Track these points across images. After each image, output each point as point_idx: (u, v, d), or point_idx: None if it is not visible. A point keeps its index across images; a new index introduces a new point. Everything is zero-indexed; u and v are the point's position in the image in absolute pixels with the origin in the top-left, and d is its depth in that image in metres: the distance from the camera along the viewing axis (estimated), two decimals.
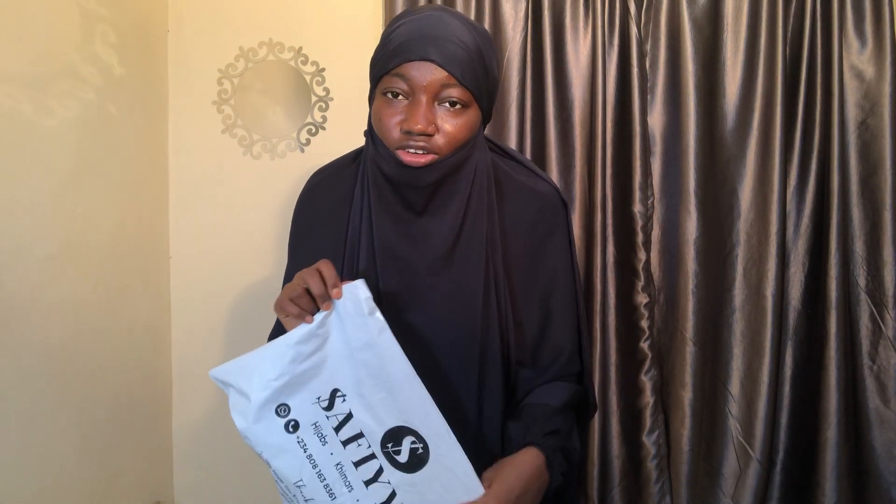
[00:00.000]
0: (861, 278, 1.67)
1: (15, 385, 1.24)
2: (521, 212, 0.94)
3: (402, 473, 0.79)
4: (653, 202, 1.71)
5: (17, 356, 1.24)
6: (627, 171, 1.68)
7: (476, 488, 0.77)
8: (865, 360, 1.67)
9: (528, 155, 1.67)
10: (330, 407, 0.79)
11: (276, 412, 0.79)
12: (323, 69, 1.76)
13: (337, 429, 0.79)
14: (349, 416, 0.79)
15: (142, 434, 1.68)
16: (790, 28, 1.65)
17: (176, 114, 1.76)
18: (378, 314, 0.77)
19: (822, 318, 1.63)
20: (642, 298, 1.69)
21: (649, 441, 1.70)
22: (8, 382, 1.23)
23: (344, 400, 0.79)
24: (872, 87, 1.65)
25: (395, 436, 0.79)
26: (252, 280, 1.78)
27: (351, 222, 0.92)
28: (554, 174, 1.69)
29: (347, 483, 0.79)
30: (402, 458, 0.79)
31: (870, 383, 1.66)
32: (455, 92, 0.82)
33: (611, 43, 1.68)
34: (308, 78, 1.76)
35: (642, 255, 1.68)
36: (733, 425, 1.68)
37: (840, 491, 1.62)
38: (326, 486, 0.79)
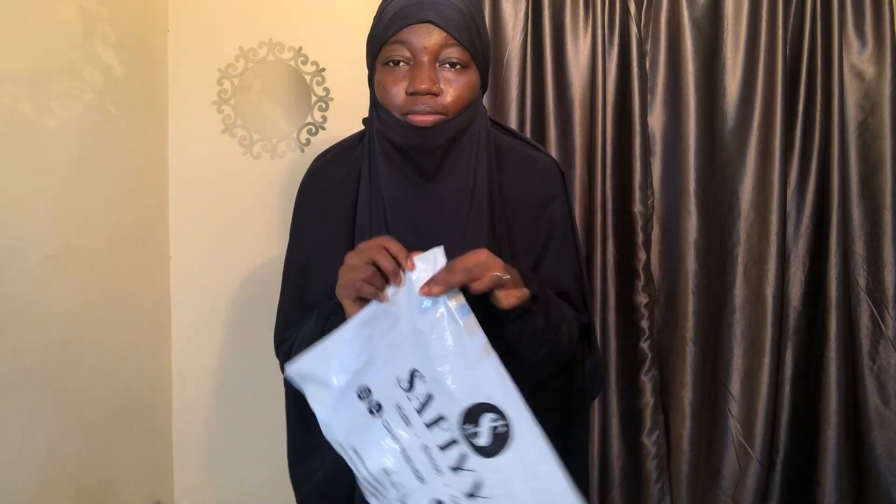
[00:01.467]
0: (861, 278, 1.67)
1: (15, 385, 1.24)
2: (521, 180, 0.95)
3: (484, 459, 0.73)
4: (653, 202, 1.71)
5: (17, 356, 1.24)
6: (627, 171, 1.68)
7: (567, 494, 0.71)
8: (865, 360, 1.67)
9: None
10: (410, 388, 0.75)
11: (358, 396, 0.76)
12: (323, 69, 1.76)
13: (420, 411, 0.75)
14: (430, 398, 0.74)
15: (142, 434, 1.68)
16: (790, 28, 1.65)
17: (176, 114, 1.76)
18: None
19: (822, 318, 1.63)
20: (642, 298, 1.69)
21: (649, 441, 1.70)
22: (8, 382, 1.23)
23: (424, 381, 0.74)
24: (872, 87, 1.65)
25: (472, 416, 0.73)
26: (252, 280, 1.77)
27: (360, 199, 0.92)
28: None
29: (436, 466, 0.75)
30: (483, 439, 0.73)
31: (870, 383, 1.66)
32: (455, 52, 0.83)
33: (611, 43, 1.68)
34: (308, 78, 1.76)
35: (642, 255, 1.68)
36: (733, 425, 1.67)
37: (840, 491, 1.62)
38: (415, 469, 0.75)
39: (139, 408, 1.67)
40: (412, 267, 0.74)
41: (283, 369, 0.90)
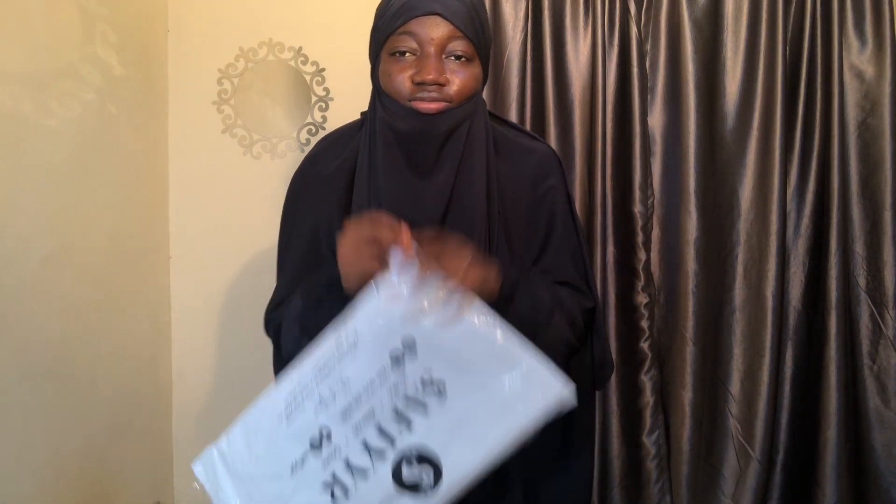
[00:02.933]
0: (861, 278, 1.67)
1: (15, 385, 1.24)
2: (518, 170, 0.96)
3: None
4: (653, 202, 1.71)
5: (17, 356, 1.24)
6: (627, 171, 1.68)
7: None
8: (865, 360, 1.67)
9: None
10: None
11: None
12: (323, 69, 1.76)
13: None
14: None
15: (142, 434, 1.68)
16: (790, 28, 1.65)
17: (176, 114, 1.76)
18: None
19: (822, 318, 1.63)
20: (642, 298, 1.69)
21: (649, 441, 1.70)
22: (8, 382, 1.23)
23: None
24: (872, 87, 1.65)
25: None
26: (252, 280, 1.77)
27: (356, 187, 0.92)
28: None
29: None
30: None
31: (870, 383, 1.66)
32: (461, 45, 0.85)
33: (611, 43, 1.68)
34: (308, 78, 1.76)
35: (642, 255, 1.68)
36: (733, 425, 1.67)
37: (840, 491, 1.62)
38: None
39: (139, 408, 1.67)
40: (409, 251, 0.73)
41: (273, 340, 0.93)
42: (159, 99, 1.74)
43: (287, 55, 1.76)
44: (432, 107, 0.85)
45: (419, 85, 0.84)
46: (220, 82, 1.76)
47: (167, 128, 1.76)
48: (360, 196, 0.91)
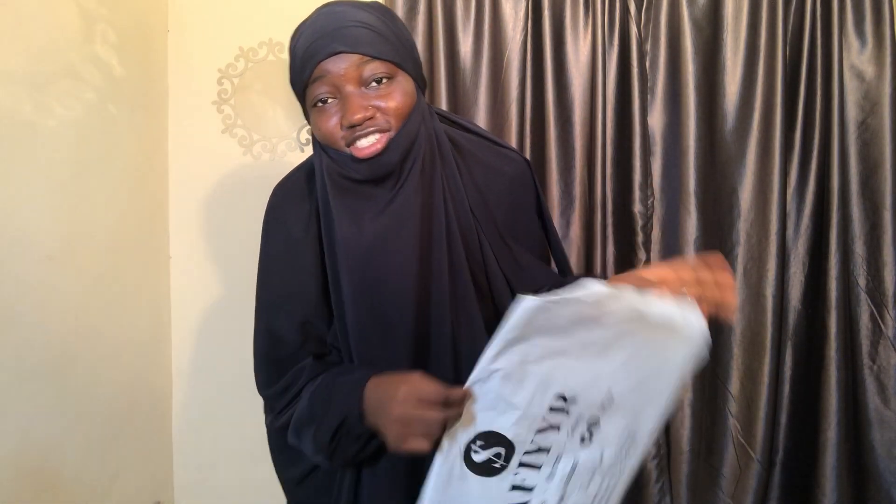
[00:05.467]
0: (861, 278, 1.67)
1: (15, 385, 1.24)
2: (489, 184, 0.94)
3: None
4: (653, 202, 1.71)
5: (17, 356, 1.24)
6: (627, 171, 1.68)
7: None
8: (865, 360, 1.67)
9: (527, 155, 1.67)
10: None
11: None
12: None
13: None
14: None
15: (142, 434, 1.68)
16: (790, 28, 1.65)
17: (176, 114, 1.76)
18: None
19: (822, 318, 1.63)
20: None
21: None
22: (8, 382, 1.23)
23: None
24: (872, 87, 1.65)
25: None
26: (252, 280, 1.77)
27: (324, 244, 0.89)
28: (554, 174, 1.69)
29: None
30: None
31: (870, 383, 1.66)
32: (376, 67, 0.81)
33: (611, 43, 1.68)
34: None
35: (642, 255, 1.68)
36: (733, 425, 1.67)
37: (840, 491, 1.62)
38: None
39: (139, 407, 1.67)
40: (471, 396, 0.73)
41: (278, 427, 0.92)
42: (159, 99, 1.74)
43: (287, 55, 1.75)
44: (375, 148, 0.82)
45: (351, 129, 0.81)
46: (220, 82, 1.76)
47: (167, 128, 1.76)
48: (330, 255, 0.88)
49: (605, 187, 1.67)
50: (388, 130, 0.83)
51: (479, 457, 0.76)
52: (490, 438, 0.75)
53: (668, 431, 1.73)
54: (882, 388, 1.65)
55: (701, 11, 1.68)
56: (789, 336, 1.70)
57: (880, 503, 1.64)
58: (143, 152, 1.66)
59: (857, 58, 1.66)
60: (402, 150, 0.84)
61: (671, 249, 1.72)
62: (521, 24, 1.67)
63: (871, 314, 1.67)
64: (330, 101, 0.83)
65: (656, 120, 1.71)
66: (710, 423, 1.71)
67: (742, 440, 1.66)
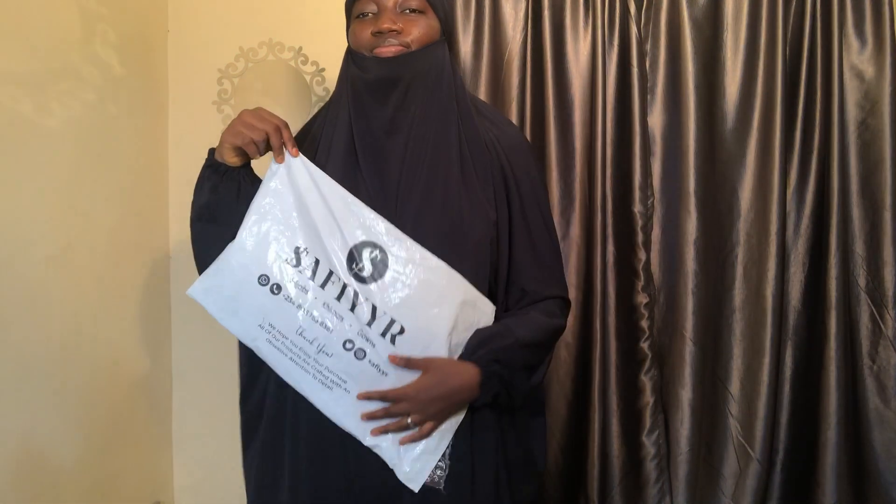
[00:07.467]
0: (861, 278, 1.67)
1: (15, 385, 1.24)
2: (504, 143, 1.08)
3: (373, 285, 0.92)
4: (653, 202, 1.71)
5: (17, 356, 1.24)
6: (627, 171, 1.68)
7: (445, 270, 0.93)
8: (865, 360, 1.66)
9: None
10: (297, 263, 0.93)
11: (259, 282, 0.94)
12: (323, 69, 1.76)
13: (312, 277, 0.93)
14: (317, 263, 0.93)
15: (142, 434, 1.68)
16: (790, 28, 1.65)
17: (176, 114, 1.76)
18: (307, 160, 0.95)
19: (822, 318, 1.63)
20: (642, 298, 1.69)
21: (649, 441, 1.70)
22: (8, 382, 1.23)
23: (308, 252, 0.94)
24: (872, 87, 1.65)
25: (352, 257, 0.93)
26: None
27: (321, 141, 1.06)
28: (554, 174, 1.69)
29: (337, 315, 0.92)
30: (366, 270, 0.92)
31: (870, 383, 1.66)
32: (413, 1, 1.01)
33: (611, 43, 1.68)
34: (308, 78, 1.76)
35: (642, 255, 1.68)
36: (733, 425, 1.67)
37: (840, 491, 1.62)
38: (322, 323, 0.92)
39: (139, 407, 1.67)
40: (296, 154, 0.96)
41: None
42: (159, 99, 1.74)
43: (287, 55, 1.76)
44: (391, 50, 0.99)
45: (378, 35, 0.99)
46: (220, 82, 1.76)
47: (167, 128, 1.76)
48: (325, 143, 1.04)
49: (605, 187, 1.67)
50: (407, 47, 1.00)
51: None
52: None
53: (668, 431, 1.73)
54: (882, 388, 1.65)
55: (701, 11, 1.68)
56: (789, 336, 1.70)
57: (880, 503, 1.64)
58: (143, 152, 1.66)
59: (857, 58, 1.66)
60: (411, 66, 1.00)
61: (671, 249, 1.72)
62: (521, 24, 1.67)
63: (871, 314, 1.67)
64: (370, 16, 1.02)
65: (656, 120, 1.71)
66: (710, 423, 1.71)
67: (742, 440, 1.67)
